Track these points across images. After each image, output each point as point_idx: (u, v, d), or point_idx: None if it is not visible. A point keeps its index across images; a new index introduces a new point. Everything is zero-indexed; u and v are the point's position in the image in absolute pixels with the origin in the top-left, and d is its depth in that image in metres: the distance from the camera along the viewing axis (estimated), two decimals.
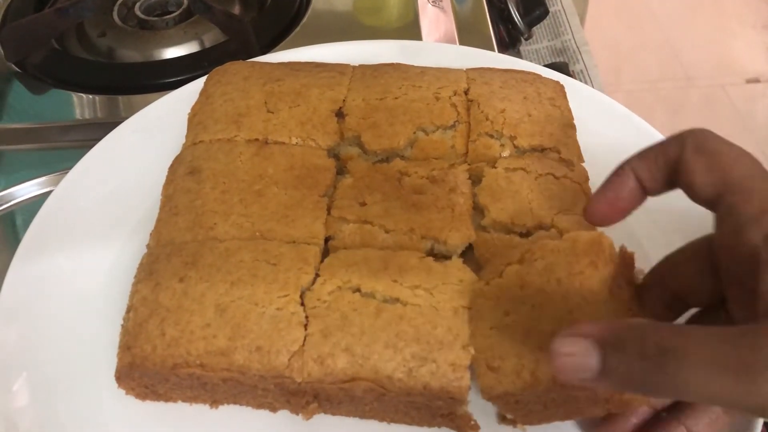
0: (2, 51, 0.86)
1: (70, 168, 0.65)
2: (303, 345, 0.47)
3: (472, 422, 0.48)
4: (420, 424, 0.50)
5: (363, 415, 0.51)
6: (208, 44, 0.87)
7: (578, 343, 0.33)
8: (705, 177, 0.39)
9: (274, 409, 0.52)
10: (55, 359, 0.53)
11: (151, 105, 0.69)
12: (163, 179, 0.59)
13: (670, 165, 0.41)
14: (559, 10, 1.14)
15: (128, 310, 0.51)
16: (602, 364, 0.33)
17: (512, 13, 0.92)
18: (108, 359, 0.51)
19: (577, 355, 0.33)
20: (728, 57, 2.46)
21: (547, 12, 0.96)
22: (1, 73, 0.85)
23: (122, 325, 0.51)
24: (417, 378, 0.46)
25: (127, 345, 0.49)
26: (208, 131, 0.60)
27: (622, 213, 0.44)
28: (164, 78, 0.82)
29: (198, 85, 0.67)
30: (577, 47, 1.08)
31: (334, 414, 0.51)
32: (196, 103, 0.63)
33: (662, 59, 2.47)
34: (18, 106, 0.83)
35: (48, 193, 0.64)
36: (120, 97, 0.83)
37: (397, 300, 0.48)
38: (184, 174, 0.57)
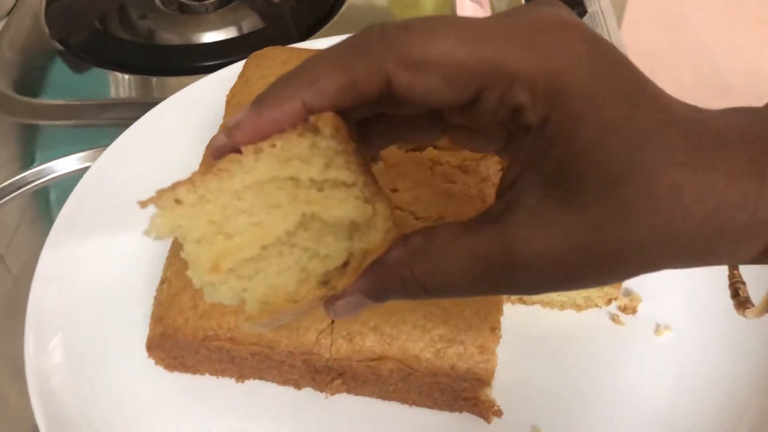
0: (47, 29, 0.87)
1: (106, 145, 0.66)
2: (332, 323, 0.48)
3: (496, 408, 0.49)
4: (442, 407, 0.51)
5: (386, 396, 0.51)
6: (246, 30, 0.88)
7: (348, 301, 0.33)
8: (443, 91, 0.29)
9: (298, 386, 0.53)
10: (89, 324, 0.54)
11: (190, 86, 0.71)
12: (199, 158, 0.60)
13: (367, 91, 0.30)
14: (597, 11, 1.14)
15: (161, 282, 0.52)
16: (376, 301, 0.34)
17: None
18: (139, 330, 0.53)
19: (353, 306, 0.34)
20: (767, 67, 2.43)
21: (584, 12, 0.96)
22: (45, 50, 0.87)
23: (155, 297, 0.52)
24: (444, 358, 0.46)
25: (159, 316, 0.50)
26: None
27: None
28: (201, 61, 0.83)
29: (236, 69, 0.68)
30: None
31: (357, 394, 0.52)
32: (235, 86, 0.64)
33: (698, 66, 2.43)
34: (59, 83, 0.84)
35: (86, 169, 0.65)
36: (157, 79, 0.85)
37: None
38: None
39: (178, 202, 0.30)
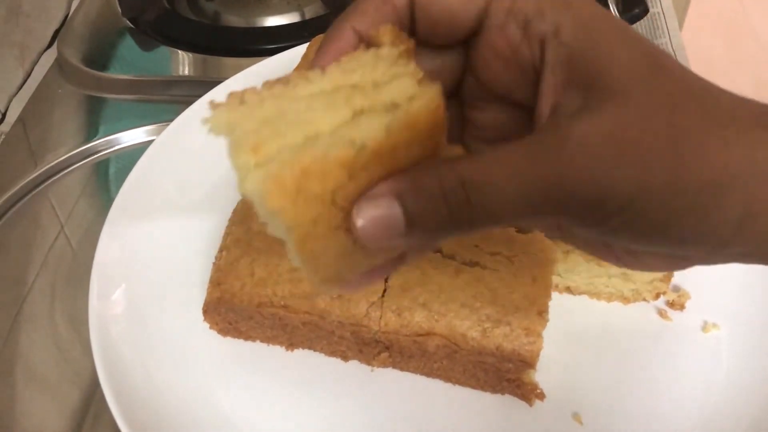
0: (119, 7, 0.91)
1: (169, 120, 0.69)
2: (382, 296, 0.49)
3: (538, 390, 0.50)
4: (485, 388, 0.52)
5: (431, 373, 0.52)
6: (308, 16, 0.90)
7: (377, 204, 0.30)
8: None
9: (346, 358, 0.54)
10: (150, 283, 0.57)
11: (253, 66, 0.73)
12: None
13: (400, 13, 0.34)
14: (659, 12, 1.13)
15: (221, 250, 0.54)
16: (406, 215, 0.30)
17: (611, 8, 0.91)
18: (196, 294, 0.55)
19: (379, 216, 0.30)
20: None
21: (646, 11, 0.95)
22: (115, 27, 0.90)
23: (214, 263, 0.54)
24: (490, 338, 0.47)
25: (217, 281, 0.53)
26: None
27: None
28: (264, 44, 0.85)
29: (299, 51, 0.70)
30: (674, 50, 1.07)
31: (402, 369, 0.53)
32: (298, 66, 0.66)
33: (759, 78, 2.38)
34: (125, 58, 0.87)
35: (150, 142, 0.68)
36: (217, 59, 0.87)
37: (476, 263, 0.49)
38: None
39: (242, 102, 0.30)
